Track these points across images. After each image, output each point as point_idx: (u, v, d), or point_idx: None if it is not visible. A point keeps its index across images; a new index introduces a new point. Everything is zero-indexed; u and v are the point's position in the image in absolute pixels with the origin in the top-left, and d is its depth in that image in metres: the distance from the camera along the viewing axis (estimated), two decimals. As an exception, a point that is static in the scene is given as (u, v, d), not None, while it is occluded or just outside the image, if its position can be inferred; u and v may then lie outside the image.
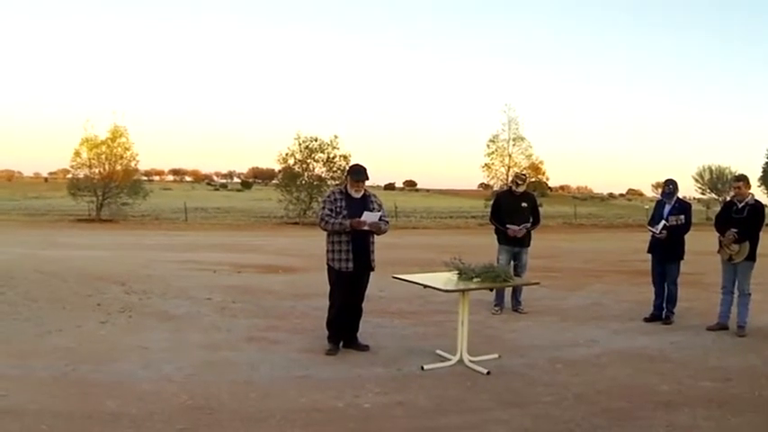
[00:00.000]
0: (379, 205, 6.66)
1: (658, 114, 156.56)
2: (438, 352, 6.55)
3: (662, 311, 8.39)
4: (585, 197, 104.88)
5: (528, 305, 9.06)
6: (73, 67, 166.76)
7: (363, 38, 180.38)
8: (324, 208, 6.53)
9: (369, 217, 6.38)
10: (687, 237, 8.33)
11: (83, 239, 20.54)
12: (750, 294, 7.78)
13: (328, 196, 6.66)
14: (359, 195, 6.56)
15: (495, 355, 6.50)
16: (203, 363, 6.10)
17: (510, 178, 10.05)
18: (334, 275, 6.56)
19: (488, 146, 41.10)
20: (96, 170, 32.02)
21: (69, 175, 35.53)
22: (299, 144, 33.86)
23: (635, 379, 5.90)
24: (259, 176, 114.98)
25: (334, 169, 33.27)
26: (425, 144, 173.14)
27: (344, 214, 6.39)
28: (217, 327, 7.69)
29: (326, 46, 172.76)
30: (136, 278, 11.25)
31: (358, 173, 6.57)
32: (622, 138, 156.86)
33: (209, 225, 31.17)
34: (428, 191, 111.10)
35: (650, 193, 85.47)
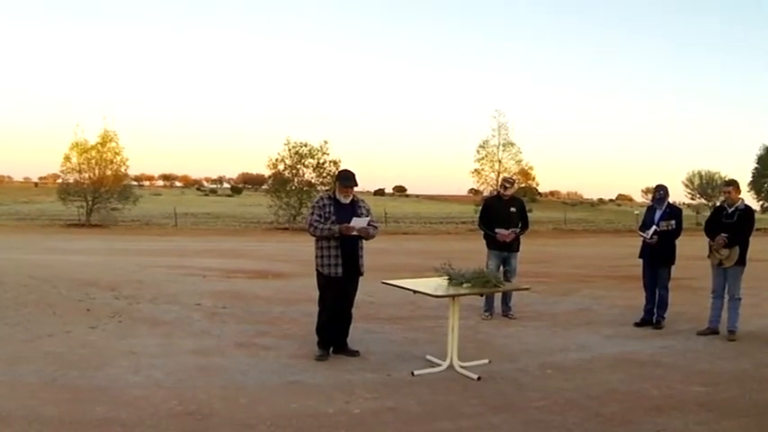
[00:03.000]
0: (368, 210, 6.66)
1: (648, 120, 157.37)
2: (428, 357, 6.54)
3: (652, 316, 8.41)
4: (575, 203, 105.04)
5: (518, 310, 9.06)
6: (63, 71, 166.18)
7: (353, 44, 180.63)
8: (312, 213, 6.51)
9: (357, 222, 6.37)
10: (678, 242, 8.36)
11: (73, 244, 20.48)
12: (740, 299, 7.81)
13: (317, 202, 6.66)
14: (347, 201, 6.55)
15: (486, 361, 6.50)
16: (193, 368, 6.07)
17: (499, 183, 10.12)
18: (324, 281, 6.54)
19: (478, 151, 41.28)
20: (86, 175, 32.08)
21: (59, 180, 35.60)
22: (289, 149, 33.98)
23: (626, 384, 5.89)
24: (249, 182, 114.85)
25: (324, 175, 33.34)
26: (415, 150, 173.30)
27: (333, 220, 6.38)
28: (207, 332, 7.66)
29: (317, 52, 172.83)
30: (126, 283, 11.20)
31: (347, 178, 6.56)
32: (612, 143, 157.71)
33: (199, 230, 31.10)
34: (418, 196, 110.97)
35: (640, 198, 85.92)
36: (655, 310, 8.42)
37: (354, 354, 6.67)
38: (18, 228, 29.44)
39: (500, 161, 40.84)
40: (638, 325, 8.39)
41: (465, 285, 6.29)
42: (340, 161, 33.23)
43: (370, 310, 8.88)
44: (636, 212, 43.62)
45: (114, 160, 32.65)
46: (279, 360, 6.47)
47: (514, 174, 38.85)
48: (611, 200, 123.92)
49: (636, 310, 8.84)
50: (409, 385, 5.73)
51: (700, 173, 52.39)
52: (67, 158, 32.15)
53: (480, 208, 9.67)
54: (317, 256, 6.54)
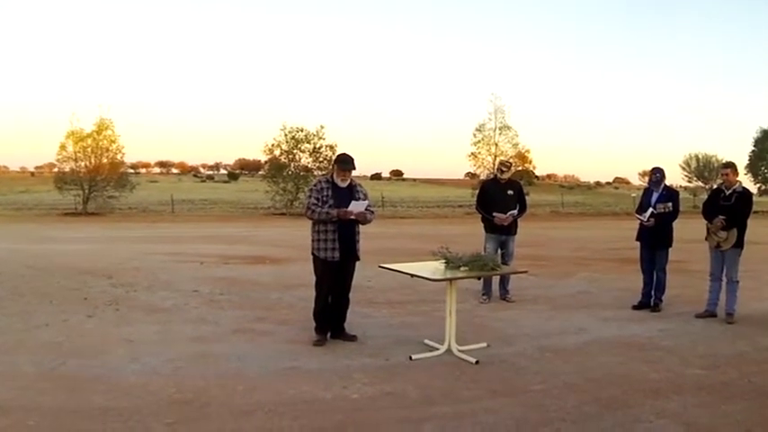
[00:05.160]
0: (365, 195, 6.63)
1: (645, 103, 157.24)
2: (426, 341, 6.54)
3: (650, 299, 8.41)
4: (572, 186, 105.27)
5: (516, 294, 9.06)
6: (58, 60, 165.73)
7: (349, 28, 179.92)
8: (310, 197, 6.48)
9: (355, 206, 6.34)
10: (675, 224, 8.35)
11: (69, 233, 20.43)
12: (738, 281, 7.81)
13: (314, 185, 6.61)
14: (345, 185, 6.51)
15: (484, 344, 6.49)
16: (191, 355, 6.06)
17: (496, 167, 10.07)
18: (321, 265, 6.52)
19: (475, 135, 41.24)
20: (82, 163, 31.96)
21: (56, 169, 35.45)
22: (286, 135, 33.91)
23: (624, 367, 5.89)
24: (245, 168, 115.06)
25: (321, 159, 33.32)
26: (412, 133, 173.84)
27: (331, 203, 6.35)
28: (204, 319, 7.64)
29: (312, 37, 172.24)
30: (123, 271, 11.19)
31: (345, 162, 6.53)
32: (609, 126, 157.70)
33: (196, 217, 31.05)
34: (415, 180, 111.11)
35: (637, 181, 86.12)
36: (653, 293, 8.42)
37: (352, 338, 6.66)
38: (15, 217, 29.34)
39: (497, 144, 40.81)
40: (635, 308, 8.40)
41: (462, 269, 6.27)
42: (336, 146, 33.19)
43: (367, 294, 8.87)
44: (633, 195, 43.66)
45: (110, 148, 32.48)
46: (276, 346, 6.46)
47: (511, 157, 38.77)
48: (608, 183, 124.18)
49: (634, 292, 8.83)
50: (407, 370, 5.72)
51: (697, 156, 52.50)
52: (63, 147, 31.99)
53: (477, 191, 9.64)
54: (313, 240, 6.51)
